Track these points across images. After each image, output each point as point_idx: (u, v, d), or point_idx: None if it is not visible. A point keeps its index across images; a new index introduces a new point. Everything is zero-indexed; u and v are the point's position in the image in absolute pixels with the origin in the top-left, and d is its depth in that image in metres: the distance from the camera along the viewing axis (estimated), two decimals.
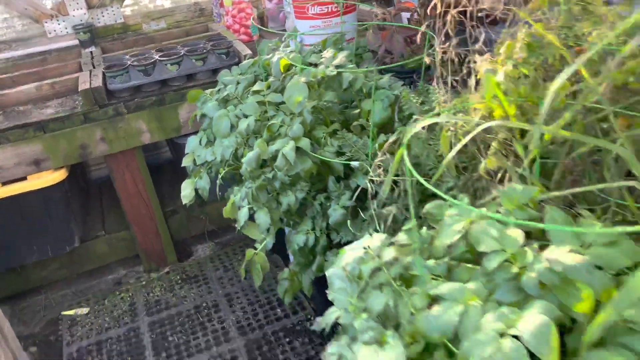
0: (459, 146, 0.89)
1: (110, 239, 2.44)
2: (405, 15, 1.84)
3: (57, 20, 2.68)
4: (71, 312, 2.27)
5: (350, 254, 0.93)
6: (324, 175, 1.49)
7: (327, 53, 1.61)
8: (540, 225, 0.71)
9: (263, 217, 1.46)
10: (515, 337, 0.64)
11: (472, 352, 0.64)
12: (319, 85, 1.55)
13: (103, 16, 2.77)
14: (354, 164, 1.39)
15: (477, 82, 0.98)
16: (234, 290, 2.28)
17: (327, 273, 0.97)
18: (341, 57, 1.52)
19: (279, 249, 1.62)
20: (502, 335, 0.65)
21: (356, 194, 1.37)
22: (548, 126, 0.85)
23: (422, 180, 0.88)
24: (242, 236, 2.34)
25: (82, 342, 2.11)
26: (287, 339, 1.97)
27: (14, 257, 2.19)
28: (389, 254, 0.90)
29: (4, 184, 2.03)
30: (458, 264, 0.89)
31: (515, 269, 0.73)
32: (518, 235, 0.76)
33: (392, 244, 0.96)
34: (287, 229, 1.68)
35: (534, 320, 0.64)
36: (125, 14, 2.86)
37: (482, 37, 0.90)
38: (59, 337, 2.16)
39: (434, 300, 0.78)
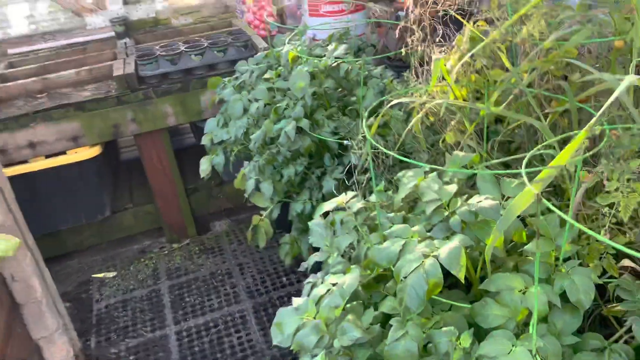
0: (418, 117, 1.10)
1: (137, 212, 2.70)
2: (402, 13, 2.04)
3: (96, 14, 2.96)
4: (100, 275, 2.55)
5: (327, 206, 1.14)
6: (322, 153, 1.70)
7: (330, 46, 1.82)
8: (468, 171, 0.91)
9: (267, 187, 1.69)
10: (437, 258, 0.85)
11: (402, 267, 0.85)
12: (322, 74, 1.76)
13: (137, 11, 3.04)
14: (347, 142, 1.59)
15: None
16: (246, 260, 2.51)
17: (309, 224, 1.19)
18: (341, 49, 1.73)
19: (289, 227, 1.82)
20: (426, 256, 0.85)
21: (347, 168, 1.58)
22: (496, 107, 1.05)
23: (383, 149, 1.09)
24: (256, 213, 2.58)
25: (109, 300, 2.37)
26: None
27: (53, 223, 2.47)
28: (358, 205, 1.11)
29: (47, 156, 2.31)
30: (414, 216, 1.09)
31: (446, 213, 0.94)
32: (452, 188, 0.96)
33: (366, 202, 1.17)
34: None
35: (450, 246, 0.84)
36: (156, 10, 3.12)
37: (440, 33, 1.10)
38: (90, 296, 2.43)
39: (386, 239, 0.99)
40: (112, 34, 2.93)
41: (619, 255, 0.89)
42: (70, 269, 2.62)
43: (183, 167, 2.90)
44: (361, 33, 2.30)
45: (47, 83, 2.43)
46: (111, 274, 2.55)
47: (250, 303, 2.23)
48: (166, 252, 2.66)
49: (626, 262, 0.89)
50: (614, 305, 0.84)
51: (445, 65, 1.03)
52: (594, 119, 0.67)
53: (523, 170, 0.72)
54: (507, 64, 0.91)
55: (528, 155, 0.76)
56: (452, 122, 1.17)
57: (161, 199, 2.63)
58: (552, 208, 0.69)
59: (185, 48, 2.40)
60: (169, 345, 2.07)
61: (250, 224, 1.93)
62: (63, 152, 2.34)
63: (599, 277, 0.87)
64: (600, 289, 0.91)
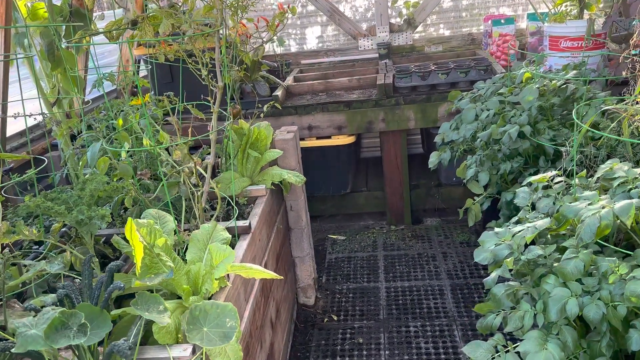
0: (625, 123, 1.40)
1: (368, 195, 3.35)
2: None
3: (367, 39, 3.76)
4: (334, 236, 3.25)
5: (533, 178, 1.51)
6: (538, 156, 2.03)
7: (561, 72, 2.14)
8: None
9: (484, 177, 2.09)
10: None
11: (584, 214, 1.19)
12: (550, 93, 2.10)
13: (398, 38, 3.74)
14: (562, 148, 1.90)
15: None
16: (450, 251, 2.92)
17: (517, 190, 1.57)
18: (570, 74, 2.04)
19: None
20: (603, 207, 1.18)
21: (559, 169, 1.89)
22: None
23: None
24: (463, 220, 2.95)
25: (338, 255, 3.04)
26: (485, 291, 2.52)
27: (311, 188, 3.25)
28: (557, 179, 1.45)
29: (318, 138, 3.10)
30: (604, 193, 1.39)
31: (629, 186, 1.24)
32: (638, 170, 1.26)
33: (567, 178, 1.50)
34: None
35: (624, 202, 1.16)
36: (414, 39, 3.78)
37: None
38: (325, 249, 3.14)
39: (577, 201, 1.32)
40: (376, 55, 3.68)
41: None
42: (313, 227, 3.38)
43: (410, 167, 3.46)
44: (595, 66, 2.52)
45: (327, 85, 3.26)
46: (342, 237, 3.23)
47: (449, 282, 2.63)
48: (385, 231, 3.24)
49: None
50: None
51: None
52: None
53: None
54: None
55: None
56: None
57: (390, 187, 3.22)
58: None
59: (434, 68, 2.95)
60: (379, 294, 2.61)
61: (458, 224, 2.32)
62: (328, 137, 3.11)
63: None
64: None
